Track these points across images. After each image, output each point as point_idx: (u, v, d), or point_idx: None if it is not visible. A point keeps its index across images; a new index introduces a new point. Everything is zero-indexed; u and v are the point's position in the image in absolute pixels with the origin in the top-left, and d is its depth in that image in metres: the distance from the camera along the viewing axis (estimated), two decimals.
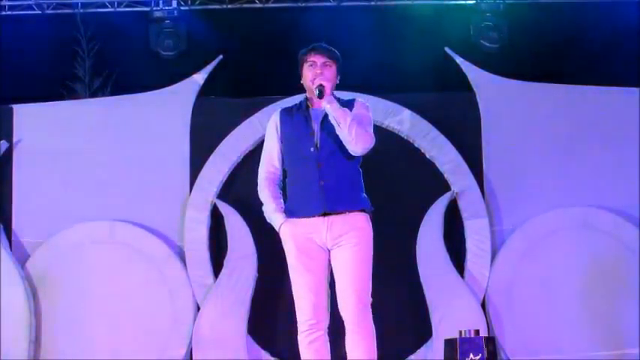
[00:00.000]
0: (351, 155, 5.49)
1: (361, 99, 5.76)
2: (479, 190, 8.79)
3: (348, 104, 5.55)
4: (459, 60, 9.08)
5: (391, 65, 9.67)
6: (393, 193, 8.52)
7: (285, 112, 5.69)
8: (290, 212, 5.53)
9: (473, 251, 8.69)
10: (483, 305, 8.63)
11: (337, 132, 5.41)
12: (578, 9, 9.54)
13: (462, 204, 8.76)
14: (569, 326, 8.61)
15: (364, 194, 5.59)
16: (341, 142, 5.44)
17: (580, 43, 10.00)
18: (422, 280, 8.61)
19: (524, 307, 8.66)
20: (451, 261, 8.65)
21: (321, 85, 5.38)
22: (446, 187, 8.79)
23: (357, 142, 5.39)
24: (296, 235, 5.49)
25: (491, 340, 7.57)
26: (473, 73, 9.05)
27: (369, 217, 5.56)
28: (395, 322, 8.41)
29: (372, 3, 9.53)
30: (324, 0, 9.51)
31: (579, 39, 9.99)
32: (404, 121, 8.83)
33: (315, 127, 5.51)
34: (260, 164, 5.70)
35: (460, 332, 7.42)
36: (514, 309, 8.66)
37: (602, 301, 8.64)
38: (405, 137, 8.81)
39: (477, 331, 7.52)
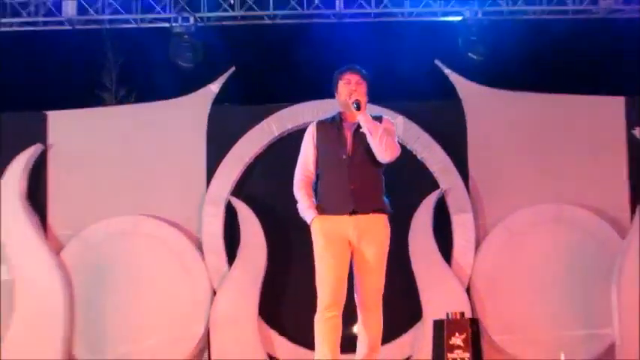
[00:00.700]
0: (377, 163, 5.84)
1: (386, 116, 6.08)
2: (464, 187, 9.09)
3: (376, 119, 5.86)
4: (447, 71, 9.33)
5: (386, 75, 9.83)
6: (388, 190, 8.71)
7: (321, 124, 6.00)
8: (322, 210, 5.83)
9: (459, 242, 9.00)
10: (468, 290, 8.93)
11: (369, 141, 5.74)
12: (555, 24, 9.71)
13: (449, 200, 9.07)
14: (545, 309, 8.93)
15: (386, 198, 5.95)
16: (369, 151, 5.79)
17: (558, 54, 10.29)
18: (413, 267, 8.91)
19: (504, 292, 8.97)
20: (439, 251, 8.95)
21: (357, 100, 5.73)
22: (435, 185, 9.09)
23: (386, 150, 5.72)
24: (325, 230, 5.79)
25: (475, 322, 7.74)
26: (460, 83, 9.31)
27: (387, 218, 5.93)
28: (389, 304, 8.32)
29: (370, 19, 9.69)
30: (327, 17, 9.63)
31: (557, 51, 10.27)
32: (397, 126, 8.69)
33: (348, 137, 5.83)
34: (296, 168, 5.99)
35: (447, 314, 7.67)
36: (496, 294, 8.96)
37: (574, 287, 8.98)
38: (399, 140, 8.85)
39: (462, 313, 7.72)
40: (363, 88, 5.85)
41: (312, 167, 5.93)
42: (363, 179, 5.77)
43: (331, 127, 5.90)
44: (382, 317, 5.82)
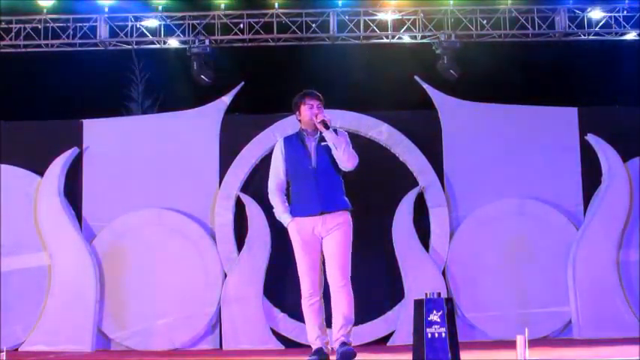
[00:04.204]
0: (337, 169, 5.88)
1: (340, 129, 6.13)
2: (440, 185, 8.75)
3: (335, 132, 5.90)
4: (425, 85, 9.03)
5: (373, 89, 9.74)
6: (375, 187, 8.55)
7: (288, 140, 6.05)
8: (295, 212, 5.91)
9: (435, 232, 8.67)
10: (444, 273, 8.62)
11: (334, 153, 5.80)
12: (517, 46, 9.62)
13: (427, 196, 8.73)
14: (508, 289, 8.61)
15: (345, 197, 5.98)
16: (330, 160, 5.85)
17: (519, 71, 10.12)
18: (397, 254, 8.58)
19: (475, 275, 8.64)
20: (419, 239, 8.62)
21: (324, 120, 5.79)
22: (415, 183, 8.77)
23: (348, 160, 5.80)
24: (300, 230, 5.88)
25: (449, 301, 7.48)
26: (436, 95, 9.00)
27: (349, 213, 5.96)
28: (376, 286, 8.49)
29: (359, 42, 9.55)
30: (322, 39, 9.52)
31: (519, 68, 10.10)
32: (383, 133, 8.82)
33: (312, 150, 5.89)
34: (270, 178, 6.05)
35: (426, 294, 7.26)
36: (468, 276, 8.64)
37: (536, 271, 8.64)
38: (384, 145, 8.83)
39: (439, 294, 7.38)
40: (322, 110, 5.91)
41: (283, 176, 5.99)
42: (327, 184, 5.83)
43: (297, 143, 5.95)
44: (352, 294, 5.88)
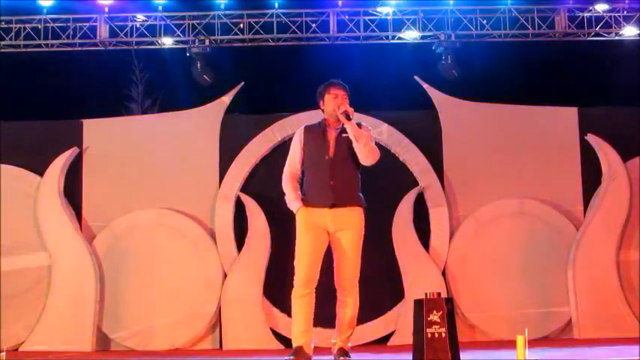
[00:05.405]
0: (355, 163, 5.75)
1: (364, 123, 5.94)
2: (440, 185, 8.75)
3: (358, 126, 5.77)
4: (425, 85, 9.02)
5: (372, 89, 9.71)
6: (375, 187, 8.37)
7: (308, 129, 5.90)
8: (306, 202, 5.74)
9: (435, 232, 8.66)
10: (444, 273, 8.62)
11: (354, 146, 5.65)
12: (517, 45, 9.60)
13: (427, 196, 8.73)
14: (509, 289, 8.61)
15: (361, 194, 5.83)
16: (349, 152, 5.70)
17: (520, 71, 10.11)
18: (396, 254, 8.59)
19: (475, 275, 8.65)
20: (419, 239, 8.62)
21: (347, 111, 5.65)
22: (415, 183, 8.77)
23: (368, 154, 5.66)
24: (308, 219, 5.71)
25: (449, 300, 7.49)
26: (436, 95, 8.99)
27: (363, 211, 5.81)
28: (376, 286, 8.46)
29: (359, 42, 9.54)
30: (322, 39, 9.52)
31: (519, 68, 10.09)
32: (383, 133, 8.83)
33: (331, 141, 5.75)
34: (285, 165, 5.93)
35: (426, 294, 7.26)
36: (467, 276, 8.64)
37: (536, 271, 8.63)
38: (384, 145, 8.80)
39: (439, 293, 7.37)
40: (347, 101, 5.76)
41: (298, 165, 5.85)
42: (342, 177, 5.68)
43: (317, 132, 5.81)
44: (358, 297, 5.75)
